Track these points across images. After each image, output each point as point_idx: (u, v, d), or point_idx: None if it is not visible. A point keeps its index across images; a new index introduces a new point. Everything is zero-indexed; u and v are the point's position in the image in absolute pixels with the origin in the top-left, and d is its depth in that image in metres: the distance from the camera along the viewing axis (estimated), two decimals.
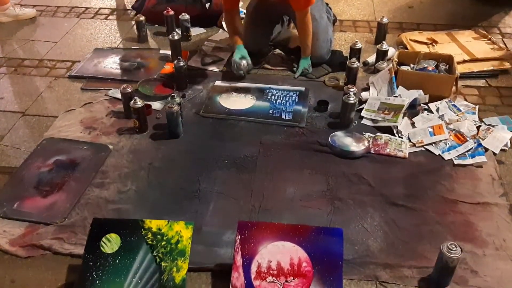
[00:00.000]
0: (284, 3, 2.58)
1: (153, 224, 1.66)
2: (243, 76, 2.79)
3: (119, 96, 2.55)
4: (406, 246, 1.80)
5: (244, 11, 3.51)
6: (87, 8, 3.70)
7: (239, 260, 1.55)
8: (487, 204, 1.96)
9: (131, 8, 3.68)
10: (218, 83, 2.77)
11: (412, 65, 2.68)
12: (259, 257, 1.56)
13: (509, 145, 2.26)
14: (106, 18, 3.58)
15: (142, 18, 3.20)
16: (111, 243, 1.63)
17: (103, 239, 1.64)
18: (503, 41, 3.22)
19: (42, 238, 1.84)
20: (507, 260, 1.74)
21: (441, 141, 2.27)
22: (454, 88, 2.54)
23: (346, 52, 3.00)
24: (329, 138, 2.28)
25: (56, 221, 1.91)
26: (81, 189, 2.06)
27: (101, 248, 1.62)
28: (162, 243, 1.62)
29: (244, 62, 2.75)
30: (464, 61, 2.88)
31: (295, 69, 2.84)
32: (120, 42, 3.26)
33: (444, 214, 1.93)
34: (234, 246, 1.59)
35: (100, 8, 3.71)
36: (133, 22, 3.38)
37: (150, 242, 1.62)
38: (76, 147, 2.29)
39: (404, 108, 2.36)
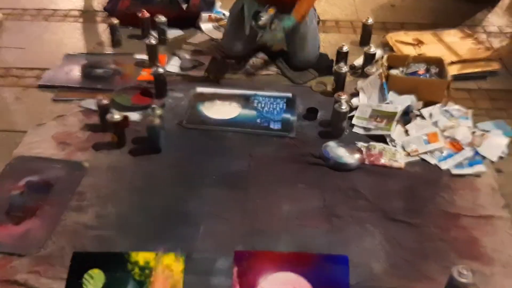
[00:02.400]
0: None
1: (140, 257, 1.52)
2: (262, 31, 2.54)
3: (93, 107, 2.37)
4: (411, 267, 1.71)
5: (224, 12, 3.37)
6: (55, 10, 3.47)
7: None
8: (489, 217, 1.89)
9: (102, 10, 3.48)
10: (199, 89, 2.62)
11: (401, 69, 2.59)
12: None
13: (506, 152, 2.20)
14: (76, 21, 3.37)
15: (116, 21, 3.01)
16: (94, 280, 1.49)
17: (85, 275, 1.49)
18: (488, 40, 3.17)
19: (16, 272, 1.68)
20: None
21: (436, 149, 2.19)
22: (445, 92, 2.47)
23: (331, 55, 2.90)
24: (322, 149, 2.17)
25: (31, 251, 1.74)
26: (57, 214, 1.89)
27: (83, 286, 1.47)
28: (151, 279, 1.48)
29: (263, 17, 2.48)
30: (452, 63, 2.81)
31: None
32: (93, 47, 3.06)
33: (446, 230, 1.84)
34: (231, 279, 1.46)
35: (69, 10, 3.48)
36: (106, 25, 3.18)
37: (137, 278, 1.48)
38: (49, 165, 2.11)
39: (397, 116, 2.27)
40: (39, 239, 1.79)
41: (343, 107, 2.22)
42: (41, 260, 1.71)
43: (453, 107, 2.45)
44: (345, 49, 2.72)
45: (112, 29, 3.04)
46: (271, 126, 2.34)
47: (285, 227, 1.84)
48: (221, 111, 2.46)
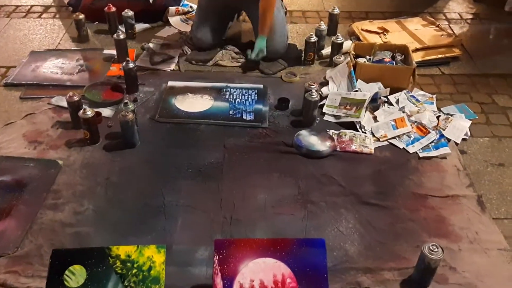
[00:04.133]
0: None
1: (121, 250, 1.52)
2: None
3: (64, 104, 2.35)
4: (384, 247, 1.77)
5: (191, 4, 3.36)
6: (17, 6, 3.39)
7: (219, 282, 1.46)
8: (456, 196, 1.97)
9: (66, 5, 3.42)
10: (171, 83, 2.62)
11: (368, 57, 2.65)
12: (240, 277, 1.47)
13: (469, 134, 2.30)
14: (40, 17, 3.30)
15: (82, 16, 2.97)
16: (75, 276, 1.48)
17: (66, 272, 1.48)
18: (450, 26, 3.27)
19: None
20: (482, 253, 1.75)
21: (404, 134, 2.26)
22: (411, 78, 2.55)
23: (299, 45, 2.94)
24: (295, 138, 2.21)
25: (8, 252, 1.73)
26: (32, 213, 1.87)
27: (65, 282, 1.47)
28: (133, 271, 1.49)
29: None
30: (416, 50, 2.89)
31: (249, 51, 2.68)
32: (59, 43, 3.01)
33: (416, 211, 1.92)
34: (212, 267, 1.49)
35: (32, 6, 3.41)
36: (71, 20, 3.13)
37: (119, 271, 1.49)
38: (21, 165, 2.08)
39: (366, 102, 2.34)
40: (15, 239, 1.77)
41: (314, 96, 2.26)
42: (19, 260, 1.70)
43: (418, 93, 2.54)
44: (313, 39, 2.76)
45: (78, 24, 3.00)
46: (244, 117, 2.37)
47: (262, 216, 1.88)
48: (193, 104, 2.47)
